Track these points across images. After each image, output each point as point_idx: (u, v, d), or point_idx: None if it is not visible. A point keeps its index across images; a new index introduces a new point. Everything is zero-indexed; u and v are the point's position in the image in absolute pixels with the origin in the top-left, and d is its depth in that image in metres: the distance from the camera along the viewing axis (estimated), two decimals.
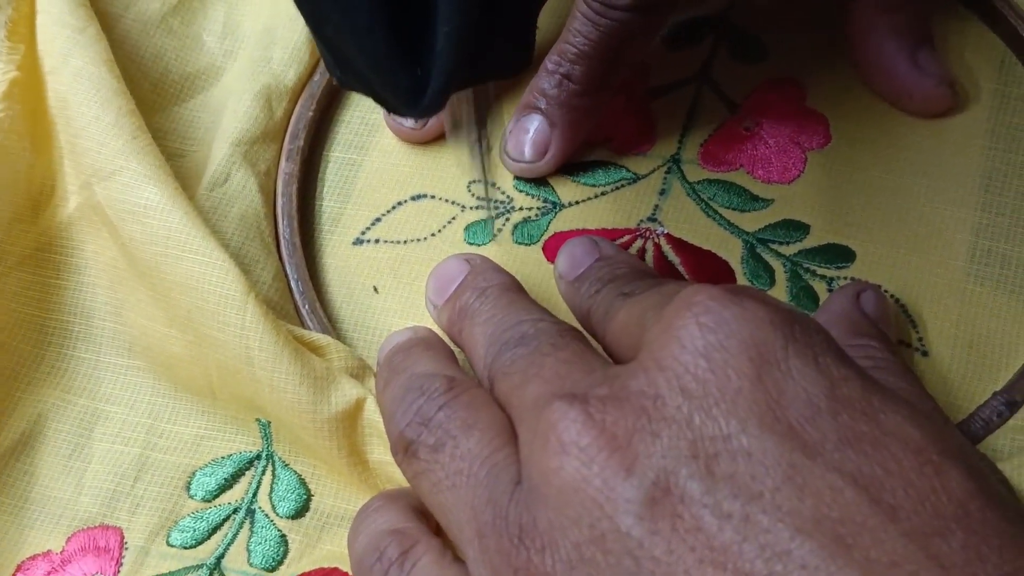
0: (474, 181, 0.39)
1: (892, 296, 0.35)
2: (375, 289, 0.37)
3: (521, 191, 0.38)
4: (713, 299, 0.24)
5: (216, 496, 0.34)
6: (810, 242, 0.36)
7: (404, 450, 0.28)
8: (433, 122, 0.39)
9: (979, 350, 0.34)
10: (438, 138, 0.40)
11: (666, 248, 0.37)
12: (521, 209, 0.38)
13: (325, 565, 0.32)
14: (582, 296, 0.32)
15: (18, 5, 0.37)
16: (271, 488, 0.34)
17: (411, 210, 0.39)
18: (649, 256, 0.37)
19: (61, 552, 0.33)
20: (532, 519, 0.24)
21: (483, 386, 0.29)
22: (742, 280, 0.36)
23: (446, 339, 0.33)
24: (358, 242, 0.38)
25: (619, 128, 0.39)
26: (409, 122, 0.39)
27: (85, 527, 0.34)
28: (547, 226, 0.38)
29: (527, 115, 0.38)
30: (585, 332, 0.30)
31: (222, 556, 0.33)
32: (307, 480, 0.34)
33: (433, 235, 0.38)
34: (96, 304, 0.37)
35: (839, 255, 0.36)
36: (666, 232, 0.37)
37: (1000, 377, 0.33)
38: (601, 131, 0.39)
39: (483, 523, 0.25)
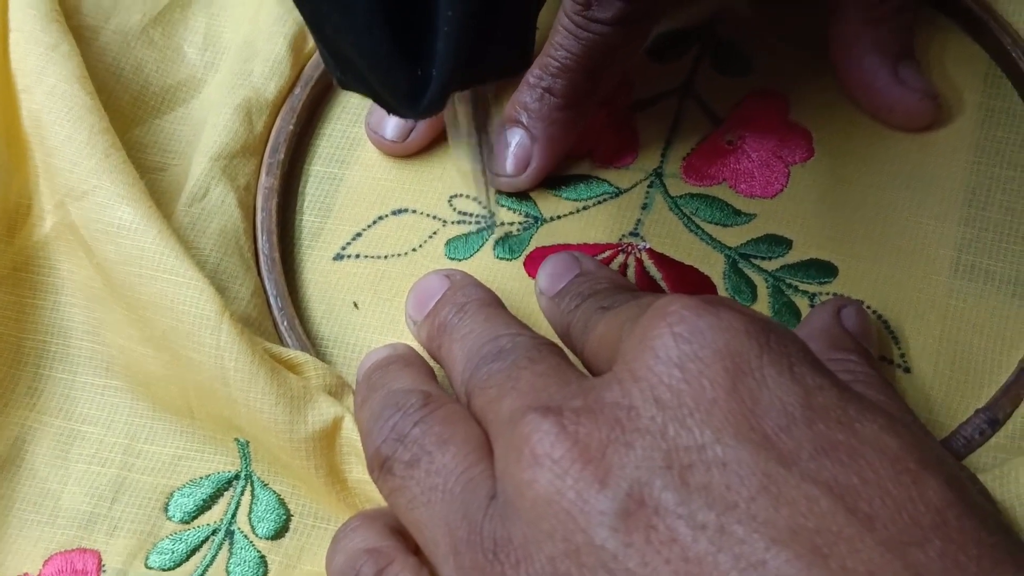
0: (456, 195, 0.38)
1: (874, 312, 0.35)
2: (355, 305, 0.37)
3: (503, 205, 0.38)
4: (687, 308, 0.24)
5: (195, 517, 0.34)
6: (792, 257, 0.36)
7: (380, 467, 0.28)
8: (414, 136, 0.39)
9: (962, 367, 0.34)
10: (420, 152, 0.39)
11: (648, 263, 0.36)
12: (503, 224, 0.38)
13: None
14: (562, 311, 0.31)
15: None
16: (250, 508, 0.34)
17: (392, 225, 0.38)
18: (631, 271, 0.36)
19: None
20: (507, 534, 0.23)
21: (461, 402, 0.29)
22: (724, 295, 0.36)
23: (426, 356, 0.32)
24: (338, 257, 0.38)
25: (601, 141, 0.39)
26: (390, 135, 0.39)
27: (62, 550, 0.34)
28: (529, 241, 0.37)
29: (508, 129, 0.37)
30: (565, 347, 0.30)
31: None
32: (286, 500, 0.34)
33: (414, 250, 0.38)
34: (73, 324, 0.36)
35: (821, 270, 0.36)
36: (648, 247, 0.37)
37: (983, 394, 0.33)
38: (583, 144, 0.39)
39: (458, 539, 0.25)
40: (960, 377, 0.34)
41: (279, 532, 0.33)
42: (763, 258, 0.36)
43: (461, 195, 0.38)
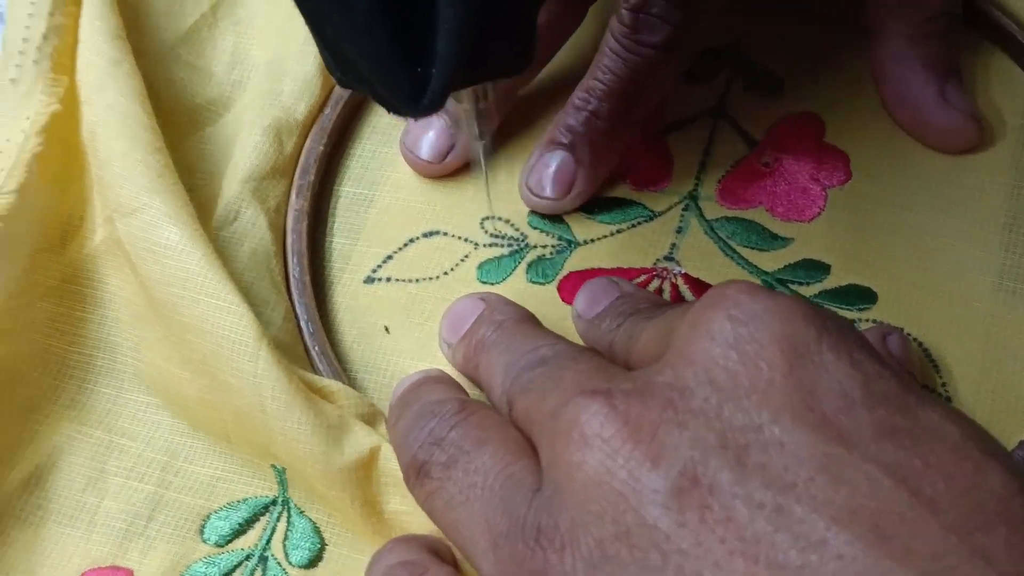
0: (488, 218, 0.38)
1: (915, 339, 0.34)
2: (386, 329, 0.37)
3: (535, 228, 0.38)
4: (743, 292, 0.24)
5: (229, 541, 0.34)
6: (831, 283, 0.36)
7: (416, 472, 0.27)
8: (451, 157, 0.38)
9: (1004, 396, 0.33)
10: (452, 173, 0.39)
11: (683, 288, 0.36)
12: (536, 247, 0.37)
13: None
14: (603, 331, 0.31)
15: (63, 35, 0.37)
16: (285, 535, 0.33)
17: (423, 247, 0.38)
18: (666, 296, 0.36)
19: None
20: (552, 521, 0.23)
21: (501, 413, 0.28)
22: None
23: (461, 381, 0.32)
24: (369, 280, 0.38)
25: (636, 164, 0.39)
26: (426, 155, 0.39)
27: (96, 566, 0.33)
28: (562, 264, 0.37)
29: (551, 151, 0.37)
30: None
31: None
32: (322, 529, 0.33)
33: (446, 273, 0.37)
34: (119, 339, 0.36)
35: (861, 296, 0.35)
36: (684, 272, 0.36)
37: None
38: (618, 167, 0.38)
39: (497, 533, 0.24)
40: (1002, 406, 0.33)
41: (313, 561, 0.33)
42: (801, 283, 0.36)
43: (493, 217, 0.38)
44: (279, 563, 0.33)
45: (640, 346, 0.28)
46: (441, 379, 0.31)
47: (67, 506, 0.34)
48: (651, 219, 0.38)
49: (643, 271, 0.36)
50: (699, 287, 0.36)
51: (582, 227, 0.38)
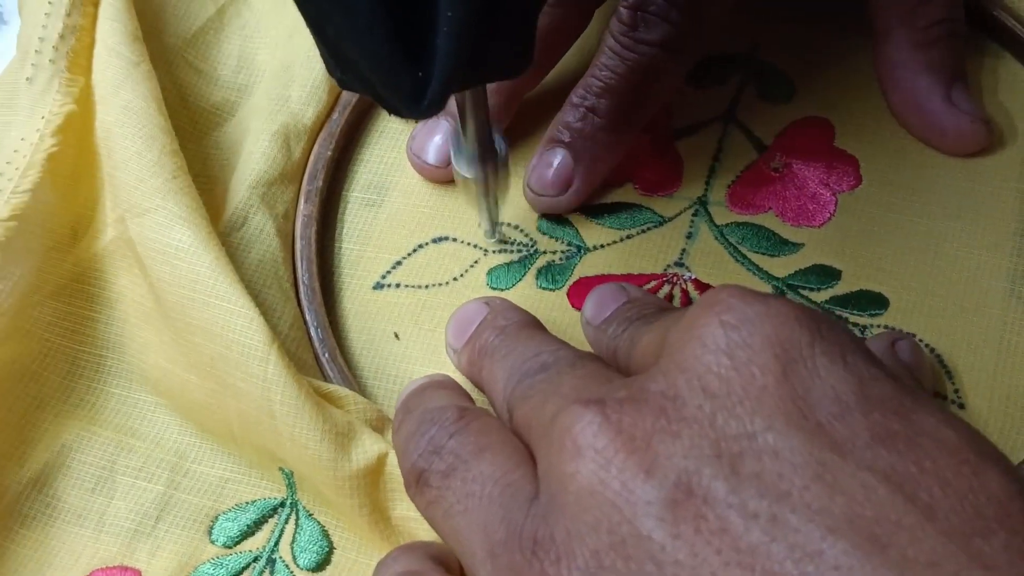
0: (498, 223, 0.38)
1: (927, 346, 0.34)
2: (396, 336, 0.36)
3: (545, 233, 0.38)
4: (735, 297, 0.23)
5: (237, 543, 0.34)
6: (842, 288, 0.35)
7: (416, 480, 0.27)
8: None
9: (1017, 403, 0.33)
10: None
11: (694, 294, 0.36)
12: (545, 252, 0.37)
13: None
14: (608, 337, 0.31)
15: (80, 36, 0.37)
16: (293, 538, 0.33)
17: (432, 253, 0.38)
18: (676, 302, 0.36)
19: None
20: (548, 532, 0.23)
21: (503, 419, 0.28)
22: None
23: (467, 387, 0.32)
24: (378, 286, 0.38)
25: (645, 169, 0.38)
26: (433, 160, 0.38)
27: (104, 566, 0.33)
28: (572, 270, 0.37)
29: (551, 149, 0.37)
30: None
31: None
32: (330, 532, 0.33)
33: (455, 279, 0.37)
34: (128, 340, 0.36)
35: (872, 302, 0.35)
36: (694, 278, 0.36)
37: None
38: (626, 172, 0.38)
39: (495, 542, 0.24)
40: (1016, 413, 0.33)
41: (321, 564, 0.33)
42: (812, 289, 0.35)
43: (503, 223, 0.38)
44: (287, 565, 0.33)
45: (639, 351, 0.28)
46: (444, 384, 0.31)
47: (76, 505, 0.34)
48: (661, 224, 0.37)
49: (653, 277, 0.36)
50: None
51: (592, 232, 0.38)
